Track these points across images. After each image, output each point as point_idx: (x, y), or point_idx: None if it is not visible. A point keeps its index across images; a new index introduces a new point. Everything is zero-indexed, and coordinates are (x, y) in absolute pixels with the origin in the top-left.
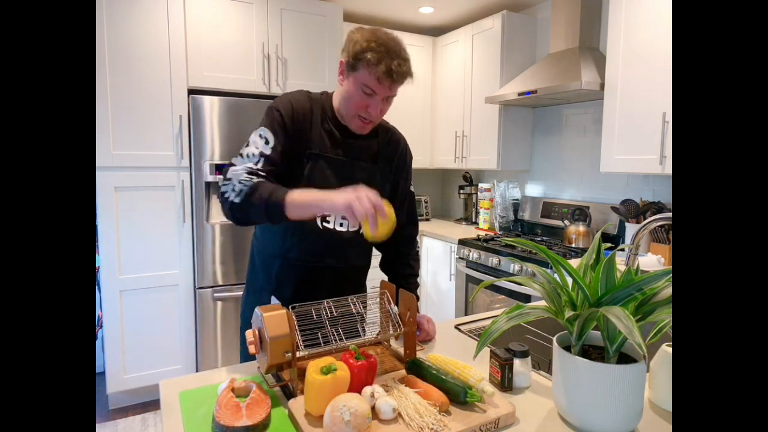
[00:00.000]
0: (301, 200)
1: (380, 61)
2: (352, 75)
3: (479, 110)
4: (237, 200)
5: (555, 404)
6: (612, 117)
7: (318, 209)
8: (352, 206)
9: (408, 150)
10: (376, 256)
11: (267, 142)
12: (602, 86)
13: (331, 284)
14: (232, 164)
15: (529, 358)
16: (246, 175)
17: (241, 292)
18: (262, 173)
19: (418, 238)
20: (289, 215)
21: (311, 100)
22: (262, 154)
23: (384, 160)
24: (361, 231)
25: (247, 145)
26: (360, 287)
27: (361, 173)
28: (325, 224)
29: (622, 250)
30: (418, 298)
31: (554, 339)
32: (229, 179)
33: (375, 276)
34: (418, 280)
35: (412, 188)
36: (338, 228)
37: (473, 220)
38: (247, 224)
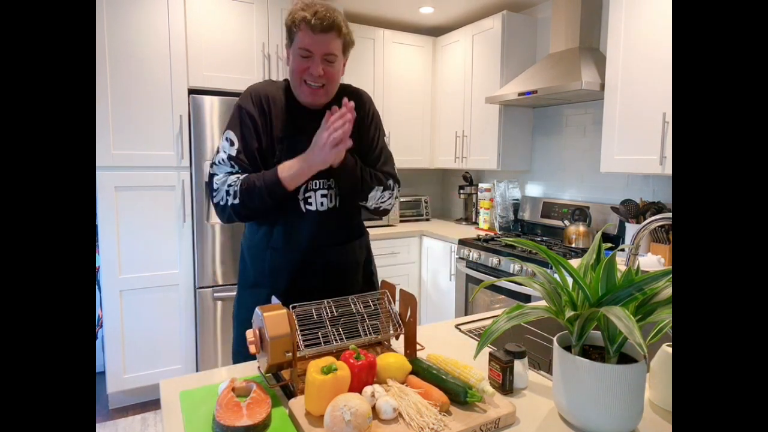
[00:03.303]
0: (291, 172)
1: (304, 15)
2: (291, 49)
3: (479, 110)
4: (236, 201)
5: (555, 404)
6: (612, 117)
7: (309, 172)
8: (330, 146)
9: (373, 107)
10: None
11: (232, 144)
12: (602, 86)
13: (325, 269)
14: (212, 174)
15: (526, 359)
16: (231, 179)
17: None
18: (239, 173)
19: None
20: (290, 187)
21: (275, 85)
22: (230, 157)
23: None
24: (338, 205)
25: (218, 152)
26: (356, 268)
27: None
28: (308, 207)
29: (623, 250)
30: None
31: (554, 339)
32: (216, 189)
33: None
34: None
35: (389, 147)
36: (320, 208)
37: (473, 220)
38: (250, 219)
